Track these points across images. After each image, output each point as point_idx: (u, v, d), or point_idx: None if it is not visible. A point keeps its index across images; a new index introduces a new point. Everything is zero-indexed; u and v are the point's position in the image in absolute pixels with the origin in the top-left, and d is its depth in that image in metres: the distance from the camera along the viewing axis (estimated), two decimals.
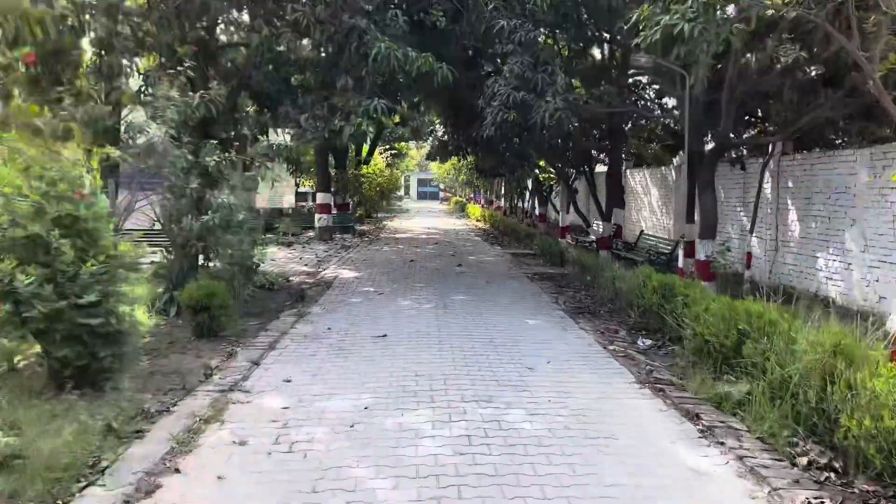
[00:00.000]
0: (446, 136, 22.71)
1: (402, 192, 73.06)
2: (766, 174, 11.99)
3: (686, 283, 7.99)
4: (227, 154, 9.78)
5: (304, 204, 31.49)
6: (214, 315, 8.03)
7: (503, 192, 37.77)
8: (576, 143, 16.81)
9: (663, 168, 19.68)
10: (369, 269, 14.40)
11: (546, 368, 6.73)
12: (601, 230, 16.27)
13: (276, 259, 16.43)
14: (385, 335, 8.04)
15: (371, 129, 10.79)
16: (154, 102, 7.86)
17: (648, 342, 8.13)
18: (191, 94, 12.01)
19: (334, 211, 28.20)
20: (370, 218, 34.76)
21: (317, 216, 21.72)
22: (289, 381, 6.22)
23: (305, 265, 15.41)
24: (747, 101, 10.89)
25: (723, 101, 9.86)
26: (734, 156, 11.91)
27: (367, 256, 17.10)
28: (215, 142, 10.32)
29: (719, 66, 10.52)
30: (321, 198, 21.69)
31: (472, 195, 51.35)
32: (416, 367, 6.66)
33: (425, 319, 8.96)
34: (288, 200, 24.34)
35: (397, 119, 32.34)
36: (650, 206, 20.38)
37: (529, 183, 29.76)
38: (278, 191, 24.29)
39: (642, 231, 15.47)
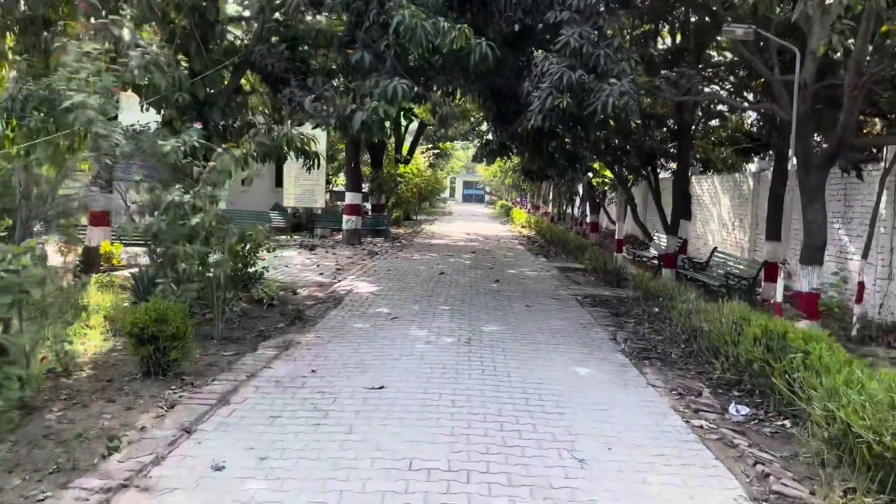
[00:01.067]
0: (490, 135, 20.59)
1: (446, 195, 71.19)
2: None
3: (806, 335, 5.68)
4: (202, 140, 7.86)
5: (340, 203, 29.76)
6: (163, 347, 6.09)
7: (551, 197, 35.41)
8: (637, 143, 14.47)
9: (737, 175, 17.14)
10: (391, 283, 12.36)
11: (605, 462, 4.54)
12: (665, 245, 13.91)
13: (291, 265, 14.56)
14: (382, 387, 5.96)
15: (390, 114, 8.74)
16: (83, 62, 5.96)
17: (745, 411, 5.85)
18: (183, 69, 10.23)
19: (368, 212, 26.41)
20: (409, 220, 32.83)
21: (344, 218, 19.83)
22: (220, 470, 4.19)
23: (321, 274, 13.47)
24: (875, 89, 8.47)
25: (845, 87, 7.47)
26: (848, 159, 9.43)
27: (394, 266, 15.08)
28: (195, 126, 8.44)
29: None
30: (350, 198, 19.79)
31: (518, 199, 49.06)
32: (413, 452, 4.55)
33: (441, 362, 6.84)
34: (319, 200, 22.62)
35: (427, 109, 30.38)
36: (719, 218, 17.85)
37: (580, 188, 27.39)
38: (307, 188, 22.57)
39: (715, 249, 13.09)
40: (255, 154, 9.17)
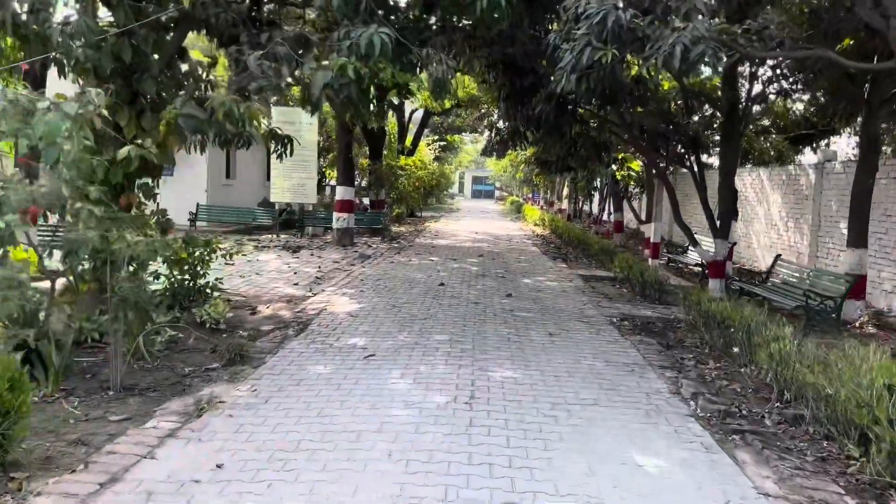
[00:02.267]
0: (501, 123, 18.14)
1: (454, 190, 68.75)
2: None
3: None
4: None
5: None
6: None
7: (565, 193, 32.91)
8: (678, 126, 12.00)
9: (791, 167, 14.61)
10: (377, 298, 9.95)
11: None
12: (713, 250, 11.44)
13: (264, 272, 12.18)
14: None
15: (363, 76, 6.32)
16: None
17: None
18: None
19: (367, 208, 24.01)
20: (413, 217, 30.42)
21: (335, 216, 17.43)
22: None
23: (295, 284, 11.09)
24: None
25: None
26: None
27: (386, 273, 12.66)
28: (98, 91, 6.06)
29: None
30: (341, 193, 17.39)
31: (529, 195, 46.54)
32: None
33: (427, 448, 4.42)
34: (311, 195, 20.24)
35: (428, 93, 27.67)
36: (767, 217, 15.33)
37: (598, 183, 24.90)
38: (298, 183, 20.20)
39: (778, 257, 10.62)
40: (184, 132, 6.79)
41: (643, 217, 18.30)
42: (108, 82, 7.83)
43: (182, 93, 7.91)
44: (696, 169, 11.88)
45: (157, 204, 8.45)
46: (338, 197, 17.42)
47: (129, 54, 7.82)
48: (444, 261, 15.03)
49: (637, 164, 18.71)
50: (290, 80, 6.46)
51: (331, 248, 16.78)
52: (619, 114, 11.29)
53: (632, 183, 18.91)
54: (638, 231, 25.16)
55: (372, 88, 8.69)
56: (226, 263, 9.97)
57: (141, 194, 8.65)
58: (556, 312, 9.28)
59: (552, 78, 6.79)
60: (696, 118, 11.77)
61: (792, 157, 16.89)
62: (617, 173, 18.92)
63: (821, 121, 14.35)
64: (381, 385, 5.68)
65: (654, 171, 17.35)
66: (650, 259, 12.79)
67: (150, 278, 8.95)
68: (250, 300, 9.70)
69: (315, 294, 10.22)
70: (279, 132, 10.83)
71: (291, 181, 20.22)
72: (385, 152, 25.26)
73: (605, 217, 25.38)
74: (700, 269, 12.58)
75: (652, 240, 12.67)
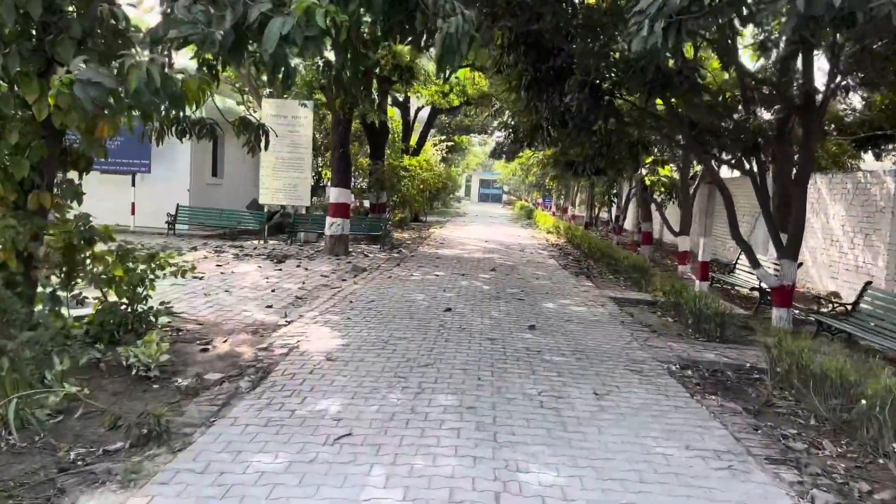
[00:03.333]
0: (512, 119, 16.11)
1: (461, 193, 66.76)
2: None
3: None
4: None
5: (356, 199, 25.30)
6: None
7: (578, 198, 30.84)
8: (738, 122, 9.94)
9: (860, 174, 12.52)
10: (366, 330, 7.89)
11: None
12: (779, 272, 9.39)
13: (235, 289, 10.18)
14: None
15: (338, 26, 4.30)
16: None
17: None
18: None
19: (367, 212, 21.98)
20: (417, 222, 28.39)
21: (328, 221, 15.39)
22: None
23: (269, 306, 9.08)
24: None
25: None
26: None
27: (381, 292, 10.61)
28: None
29: None
30: (335, 195, 15.35)
31: (540, 200, 44.46)
32: None
33: None
34: (304, 197, 18.20)
35: (437, 89, 25.71)
36: (826, 232, 13.23)
37: (618, 188, 22.83)
38: (290, 183, 18.19)
39: (868, 284, 8.55)
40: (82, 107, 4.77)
41: (675, 228, 16.21)
42: (9, 45, 5.86)
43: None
44: (756, 173, 9.81)
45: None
46: (331, 199, 15.40)
47: (39, 7, 5.78)
48: (450, 276, 12.97)
49: (667, 170, 16.64)
50: (230, 28, 4.40)
51: (322, 257, 14.75)
52: (669, 105, 9.24)
53: (661, 190, 16.84)
54: (661, 241, 23.07)
55: (365, 58, 6.65)
56: (177, 276, 7.94)
57: (60, 194, 6.68)
58: (596, 354, 7.21)
59: (627, 29, 4.72)
60: (760, 112, 9.70)
61: (849, 163, 14.80)
62: (646, 178, 16.84)
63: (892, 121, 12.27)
64: (353, 500, 3.63)
65: (689, 178, 15.28)
66: (698, 281, 10.71)
67: (74, 302, 7.01)
68: (207, 329, 7.68)
69: (290, 321, 8.19)
70: (252, 120, 8.88)
71: (283, 181, 18.21)
72: (388, 152, 23.25)
73: (625, 226, 23.31)
74: (758, 294, 10.51)
75: (700, 258, 10.59)
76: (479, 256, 17.06)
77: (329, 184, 16.17)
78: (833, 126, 14.21)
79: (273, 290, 10.26)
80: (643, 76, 7.83)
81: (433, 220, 32.29)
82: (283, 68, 4.94)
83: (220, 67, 7.42)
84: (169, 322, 7.84)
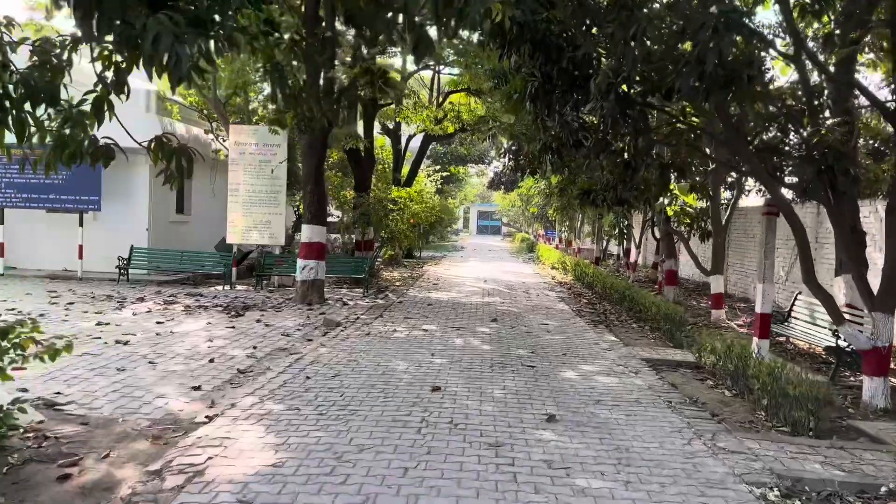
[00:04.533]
0: (513, 145, 13.96)
1: (459, 226, 64.68)
2: None
3: None
4: None
5: (337, 236, 23.03)
6: None
7: (586, 230, 28.67)
8: (806, 137, 7.73)
9: None
10: (316, 433, 5.54)
11: None
12: (875, 332, 7.12)
13: (164, 357, 7.87)
14: None
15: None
16: None
17: None
18: None
19: (354, 251, 19.72)
20: (410, 258, 26.14)
21: (299, 263, 13.12)
22: None
23: (196, 388, 6.77)
24: None
25: None
26: None
27: (351, 359, 8.27)
28: None
29: None
30: (307, 233, 13.09)
31: (541, 232, 42.30)
32: None
33: None
34: (279, 235, 15.91)
35: (428, 115, 23.50)
36: None
37: (634, 218, 20.64)
38: (261, 220, 15.96)
39: None
40: None
41: (707, 266, 14.00)
42: None
43: None
44: (832, 201, 7.58)
45: None
46: (303, 238, 13.13)
47: None
48: (442, 330, 10.66)
49: (693, 198, 14.44)
50: None
51: (291, 307, 12.45)
52: (724, 114, 7.04)
53: (686, 221, 14.63)
54: (683, 278, 20.78)
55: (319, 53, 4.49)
56: (43, 359, 5.66)
57: None
58: (651, 473, 4.87)
59: None
60: (833, 124, 7.48)
61: None
62: (668, 209, 14.62)
63: None
64: None
65: (714, 204, 13.07)
66: (755, 339, 8.39)
67: None
68: (90, 434, 5.36)
69: (214, 415, 5.87)
70: (171, 143, 6.69)
71: (254, 218, 16.02)
72: (379, 184, 21.12)
73: (637, 260, 21.05)
74: (835, 356, 8.20)
75: (759, 308, 8.29)
76: (477, 301, 14.74)
77: (299, 214, 13.95)
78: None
79: (212, 360, 7.94)
80: (698, 68, 5.64)
81: (428, 255, 30.04)
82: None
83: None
84: (37, 423, 5.55)
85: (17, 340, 5.23)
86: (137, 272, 15.61)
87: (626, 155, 8.87)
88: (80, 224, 15.53)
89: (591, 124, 9.06)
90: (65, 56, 6.41)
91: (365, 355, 8.51)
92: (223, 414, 5.92)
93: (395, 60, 23.06)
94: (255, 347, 8.76)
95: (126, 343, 8.63)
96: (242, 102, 15.53)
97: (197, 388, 6.75)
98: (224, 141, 17.24)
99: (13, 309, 10.78)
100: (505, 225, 67.78)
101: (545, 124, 9.12)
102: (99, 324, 9.91)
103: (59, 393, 6.36)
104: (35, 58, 6.33)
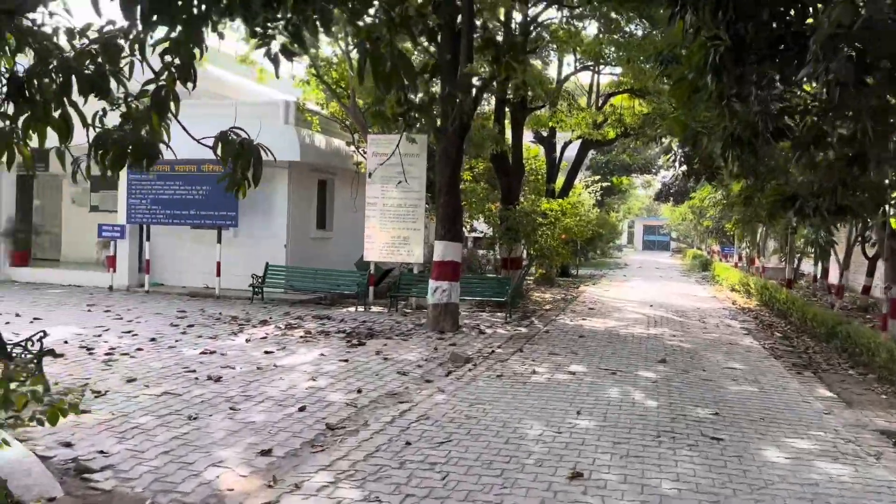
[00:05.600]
0: (685, 148, 11.53)
1: (623, 241, 61.00)
2: None
3: None
4: None
5: (484, 252, 21.53)
6: None
7: (772, 246, 24.87)
8: None
9: None
10: None
11: None
12: None
13: (251, 401, 6.56)
14: None
15: None
16: None
17: None
18: None
19: (499, 269, 17.99)
20: (566, 276, 23.96)
21: (431, 285, 11.58)
22: None
23: (266, 451, 5.28)
24: None
25: None
26: None
27: (470, 418, 6.45)
28: None
29: None
30: (440, 251, 11.52)
31: (716, 248, 38.15)
32: None
33: None
34: (416, 251, 14.60)
35: (586, 117, 20.70)
36: None
37: (842, 236, 17.08)
38: (398, 235, 14.73)
39: None
40: None
41: None
42: None
43: None
44: None
45: None
46: (435, 257, 11.59)
47: None
48: (594, 374, 8.55)
49: None
50: None
51: (420, 335, 10.91)
52: None
53: None
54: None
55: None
56: (43, 423, 4.39)
57: None
58: None
59: None
60: None
61: None
62: (893, 219, 11.42)
63: None
64: None
65: None
66: None
67: None
68: None
69: (273, 499, 4.32)
70: (234, 138, 5.35)
71: (390, 234, 14.79)
72: (530, 196, 19.29)
73: (843, 283, 17.40)
74: None
75: None
76: (640, 332, 12.38)
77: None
78: None
79: (303, 409, 6.49)
80: None
81: (586, 273, 27.62)
82: None
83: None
84: (47, 502, 4.30)
85: (10, 398, 3.99)
86: (273, 291, 14.91)
87: (853, 145, 6.34)
88: (219, 241, 15.14)
89: (795, 107, 6.69)
90: (122, 43, 5.27)
91: (490, 409, 6.67)
92: (279, 501, 4.36)
93: (550, 70, 21.23)
94: (359, 391, 7.22)
95: (218, 380, 7.45)
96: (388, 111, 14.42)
97: (266, 453, 5.27)
98: (363, 153, 16.27)
99: (130, 331, 10.18)
100: (674, 240, 63.06)
101: (732, 108, 6.81)
102: (204, 352, 8.92)
103: (103, 452, 5.14)
104: (80, 42, 5.24)
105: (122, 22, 5.22)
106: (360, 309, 13.79)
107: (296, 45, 5.56)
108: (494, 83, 14.40)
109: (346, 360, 8.76)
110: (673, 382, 8.22)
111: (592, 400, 7.18)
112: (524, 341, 10.78)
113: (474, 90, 11.88)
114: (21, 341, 6.49)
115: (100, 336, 9.76)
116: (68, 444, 5.24)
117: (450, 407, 6.70)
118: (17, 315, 11.24)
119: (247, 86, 18.46)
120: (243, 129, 5.35)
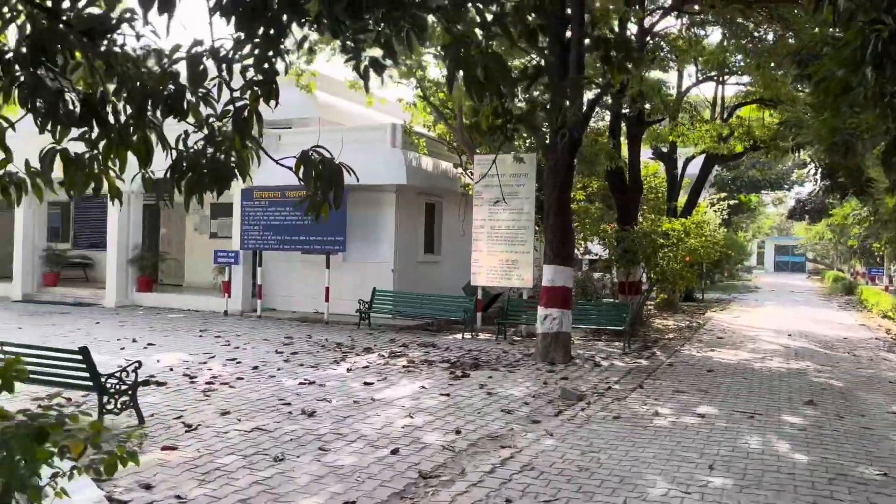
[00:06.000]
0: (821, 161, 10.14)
1: (752, 262, 57.13)
2: None
3: None
4: None
5: (600, 276, 20.48)
6: None
7: None
8: None
9: None
10: None
11: None
12: None
13: (343, 441, 6.11)
14: None
15: None
16: None
17: None
18: None
19: (615, 293, 16.89)
20: (689, 301, 22.34)
21: (540, 312, 10.80)
22: None
23: (364, 496, 4.76)
24: None
25: None
26: None
27: (584, 465, 5.65)
28: None
29: None
30: (549, 275, 10.73)
31: (861, 269, 34.69)
32: None
33: None
34: (525, 274, 13.89)
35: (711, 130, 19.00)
36: None
37: None
38: (506, 259, 14.09)
39: None
40: None
41: None
42: None
43: None
44: None
45: None
46: (544, 282, 10.81)
47: None
48: (727, 417, 7.47)
49: None
50: None
51: (528, 366, 10.16)
52: None
53: None
54: None
55: None
56: (90, 470, 4.05)
57: None
58: None
59: None
60: None
61: None
62: None
63: None
64: None
65: None
66: None
67: None
68: None
69: None
70: (318, 157, 4.95)
71: (498, 258, 14.20)
72: (651, 216, 18.12)
73: None
74: None
75: None
76: (779, 367, 10.99)
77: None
78: None
79: (395, 451, 5.94)
80: None
81: (713, 297, 25.70)
82: None
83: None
84: None
85: (64, 442, 3.68)
86: (380, 316, 14.64)
87: None
88: (327, 266, 15.11)
89: None
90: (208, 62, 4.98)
91: (605, 459, 5.84)
92: None
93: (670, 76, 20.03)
94: (458, 432, 6.59)
95: (311, 414, 7.06)
96: (483, 123, 13.95)
97: None
98: (470, 175, 15.82)
99: (234, 358, 10.11)
100: (810, 261, 58.38)
101: (895, 106, 5.70)
102: (303, 383, 8.62)
103: (179, 497, 4.80)
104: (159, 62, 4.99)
105: (209, 42, 4.95)
106: (467, 336, 13.20)
107: (386, 59, 5.11)
108: (607, 97, 13.55)
109: (448, 395, 8.16)
110: (825, 431, 7.01)
111: (727, 451, 6.17)
112: (645, 376, 9.77)
113: (585, 102, 11.11)
114: (115, 371, 6.37)
115: (205, 363, 9.73)
116: (148, 487, 4.95)
117: (559, 455, 5.93)
118: (134, 341, 11.53)
119: (357, 111, 18.54)
120: (325, 148, 4.92)
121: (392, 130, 15.31)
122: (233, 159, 5.14)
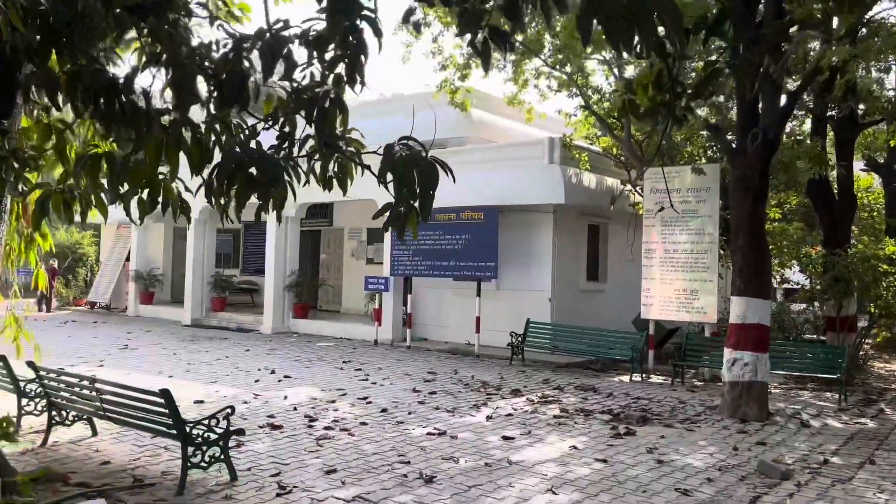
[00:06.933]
0: None
1: None
2: None
3: None
4: None
5: (801, 309, 17.48)
6: None
7: None
8: None
9: None
10: None
11: None
12: None
13: None
14: None
15: None
16: None
17: None
18: None
19: (822, 333, 13.93)
20: None
21: (726, 356, 8.71)
22: None
23: None
24: None
25: None
26: None
27: None
28: None
29: None
30: (739, 309, 8.61)
31: None
32: None
33: None
34: (709, 309, 11.68)
35: None
36: None
37: None
38: (684, 288, 11.98)
39: None
40: None
41: None
42: None
43: None
44: None
45: None
46: (732, 318, 8.72)
47: None
48: None
49: None
50: None
51: (711, 423, 8.14)
52: None
53: None
54: None
55: None
56: None
57: None
58: None
59: None
60: None
61: None
62: None
63: None
64: None
65: None
66: None
67: None
68: None
69: None
70: (401, 152, 3.53)
71: (673, 286, 12.19)
72: (864, 237, 15.05)
73: None
74: None
75: None
76: None
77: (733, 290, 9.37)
78: None
79: None
80: None
81: None
82: None
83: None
84: None
85: None
86: (534, 351, 13.09)
87: None
88: (478, 293, 13.88)
89: None
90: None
91: None
92: None
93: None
94: None
95: (430, 480, 5.75)
96: (640, 100, 12.01)
97: None
98: (639, 191, 13.93)
99: (365, 398, 9.12)
100: None
101: None
102: (431, 433, 7.36)
103: None
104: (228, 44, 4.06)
105: (296, 23, 3.93)
106: (636, 379, 11.30)
107: (507, 25, 3.83)
108: (807, 94, 11.16)
109: (605, 461, 6.49)
110: None
111: None
112: (875, 444, 7.39)
113: (783, 98, 8.97)
114: (205, 418, 5.49)
115: (333, 402, 8.82)
116: None
117: None
118: (272, 372, 10.98)
119: (516, 128, 17.33)
120: (415, 140, 3.63)
121: (549, 145, 13.87)
122: (334, 170, 4.04)
